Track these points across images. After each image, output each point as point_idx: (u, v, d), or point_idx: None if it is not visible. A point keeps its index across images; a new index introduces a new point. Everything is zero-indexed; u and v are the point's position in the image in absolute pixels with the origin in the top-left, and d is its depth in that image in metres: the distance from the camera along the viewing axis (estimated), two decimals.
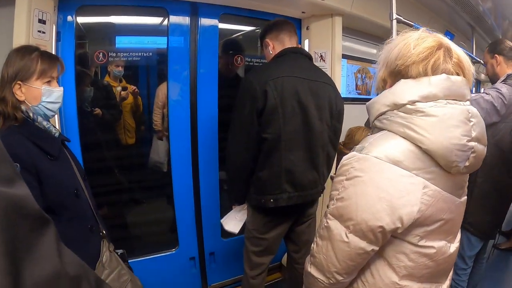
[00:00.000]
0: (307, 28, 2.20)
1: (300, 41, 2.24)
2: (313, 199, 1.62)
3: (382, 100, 0.78)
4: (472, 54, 3.15)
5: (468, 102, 0.75)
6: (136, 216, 2.24)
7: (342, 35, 2.17)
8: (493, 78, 1.83)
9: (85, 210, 1.17)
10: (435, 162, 0.71)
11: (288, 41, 1.55)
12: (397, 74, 0.77)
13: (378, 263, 0.79)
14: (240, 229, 1.70)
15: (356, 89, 2.58)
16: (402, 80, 0.75)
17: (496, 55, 1.77)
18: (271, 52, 1.56)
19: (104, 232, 1.25)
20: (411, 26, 1.84)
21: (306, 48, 2.22)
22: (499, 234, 2.76)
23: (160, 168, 2.15)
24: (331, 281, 0.80)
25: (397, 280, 0.78)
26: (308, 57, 1.59)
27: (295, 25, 1.65)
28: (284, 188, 1.46)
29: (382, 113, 0.77)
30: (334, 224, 0.77)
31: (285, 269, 2.29)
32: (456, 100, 0.73)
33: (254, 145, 1.43)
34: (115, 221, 2.13)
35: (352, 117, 2.01)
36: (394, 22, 1.80)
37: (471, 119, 0.72)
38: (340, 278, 0.79)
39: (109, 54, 1.83)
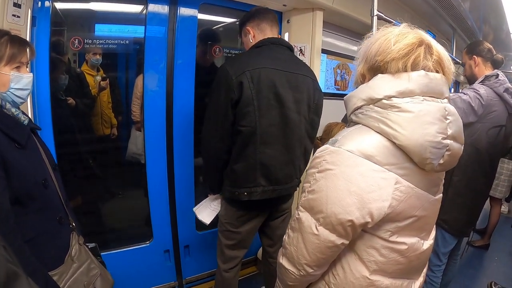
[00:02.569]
0: (288, 22, 2.20)
1: (280, 34, 2.23)
2: (289, 194, 1.61)
3: (359, 94, 0.77)
4: (452, 55, 3.21)
5: (446, 100, 0.75)
6: (111, 208, 2.21)
7: (323, 30, 2.17)
8: (470, 79, 1.84)
9: (54, 201, 1.13)
10: (409, 158, 0.71)
11: (269, 31, 1.53)
12: (376, 69, 0.76)
13: (349, 257, 0.80)
14: (212, 221, 1.69)
15: (335, 85, 2.59)
16: (379, 75, 0.75)
17: (475, 56, 1.78)
18: (251, 41, 1.53)
19: (74, 224, 1.22)
20: (391, 23, 1.85)
21: None
22: (473, 232, 2.82)
23: (138, 160, 2.12)
24: (302, 273, 0.81)
25: (368, 274, 0.78)
26: (289, 47, 1.56)
27: None
28: (259, 182, 1.44)
29: (359, 107, 0.77)
30: (305, 216, 0.77)
31: (260, 263, 2.29)
32: (434, 97, 0.73)
33: (228, 136, 1.41)
34: (89, 213, 2.08)
35: (330, 112, 2.03)
36: (375, 18, 1.81)
37: (447, 117, 0.72)
38: (310, 270, 0.79)
39: (85, 41, 1.79)
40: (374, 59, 0.76)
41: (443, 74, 0.75)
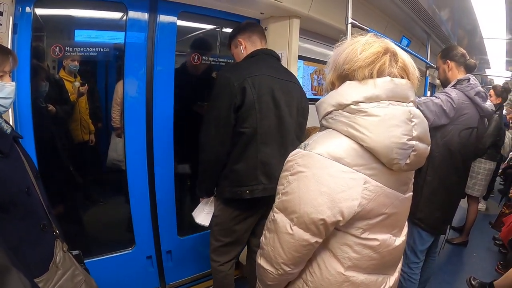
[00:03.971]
0: (265, 29, 2.21)
1: None
2: None
3: (329, 100, 0.81)
4: (427, 59, 3.30)
5: (411, 104, 0.79)
6: (93, 215, 2.18)
7: (300, 37, 2.21)
8: (444, 83, 1.89)
9: (37, 209, 1.13)
10: (377, 159, 0.74)
11: (259, 43, 1.66)
12: (345, 77, 0.80)
13: (324, 255, 0.83)
14: (200, 225, 1.73)
15: (312, 90, 2.63)
16: (347, 82, 0.79)
17: (448, 60, 1.82)
18: (242, 52, 1.64)
19: (57, 231, 1.21)
20: (366, 30, 1.91)
21: None
22: (450, 229, 2.90)
23: (119, 166, 2.11)
24: (279, 272, 0.83)
25: (343, 271, 0.81)
26: (277, 58, 1.69)
27: None
28: (260, 179, 1.52)
29: (328, 112, 0.81)
30: (280, 217, 0.80)
31: (243, 267, 2.30)
32: (399, 101, 0.76)
33: (229, 140, 1.49)
34: (71, 220, 2.06)
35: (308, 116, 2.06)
36: (349, 26, 1.84)
37: (412, 120, 0.75)
38: (287, 269, 0.82)
39: (66, 48, 1.77)
40: (342, 68, 0.80)
41: (408, 80, 0.79)
